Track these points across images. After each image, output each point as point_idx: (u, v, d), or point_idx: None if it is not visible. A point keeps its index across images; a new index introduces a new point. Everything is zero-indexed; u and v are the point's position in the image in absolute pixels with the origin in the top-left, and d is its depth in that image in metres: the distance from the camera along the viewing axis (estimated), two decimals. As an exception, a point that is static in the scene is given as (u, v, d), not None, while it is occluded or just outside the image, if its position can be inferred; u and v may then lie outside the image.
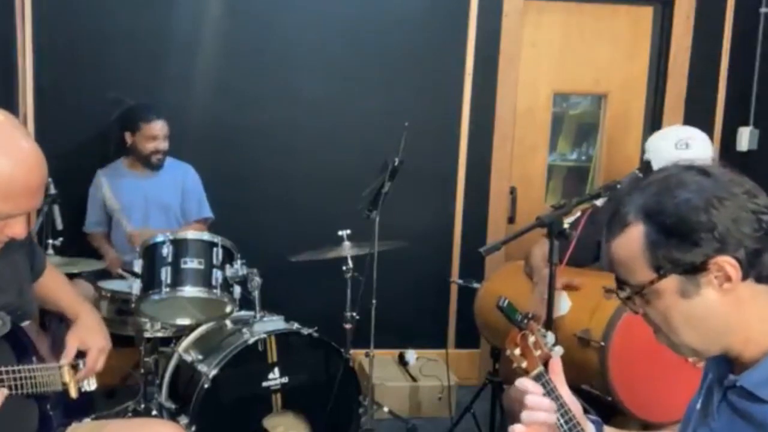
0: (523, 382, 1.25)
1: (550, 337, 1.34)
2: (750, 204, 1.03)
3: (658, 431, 1.52)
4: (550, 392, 1.25)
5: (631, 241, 1.08)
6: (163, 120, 3.38)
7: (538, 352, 1.29)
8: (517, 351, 1.31)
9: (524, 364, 1.29)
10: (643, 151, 2.55)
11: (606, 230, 1.13)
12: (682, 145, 2.32)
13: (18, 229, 1.40)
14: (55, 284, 1.81)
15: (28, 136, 1.39)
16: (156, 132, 3.36)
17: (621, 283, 1.13)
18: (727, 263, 1.02)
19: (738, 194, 1.03)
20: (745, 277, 1.04)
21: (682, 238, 1.04)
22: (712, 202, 1.02)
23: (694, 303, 1.06)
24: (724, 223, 1.02)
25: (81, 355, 1.70)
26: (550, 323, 2.07)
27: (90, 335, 1.71)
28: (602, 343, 2.01)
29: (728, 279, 1.03)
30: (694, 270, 1.04)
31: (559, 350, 1.34)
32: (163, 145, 3.39)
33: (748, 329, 1.06)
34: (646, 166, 2.40)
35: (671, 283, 1.06)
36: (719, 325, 1.07)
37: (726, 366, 1.12)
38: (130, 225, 3.24)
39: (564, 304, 2.21)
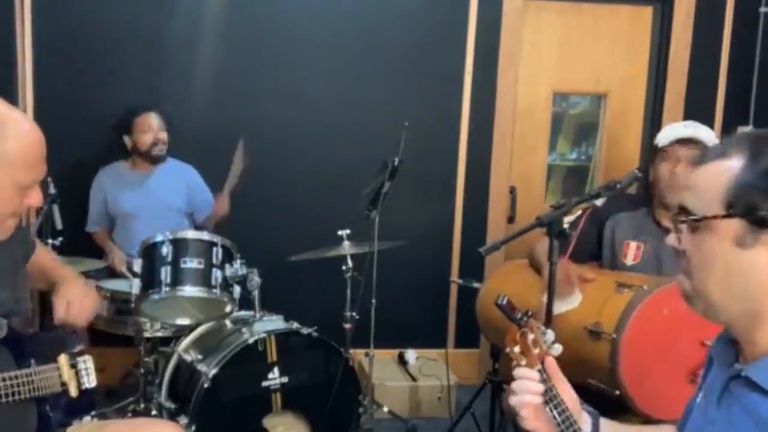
0: (519, 371, 1.27)
1: (550, 335, 1.34)
2: None
3: (656, 425, 1.51)
4: (548, 390, 1.26)
5: (720, 171, 1.04)
6: (156, 112, 3.36)
7: (536, 350, 1.29)
8: (517, 349, 1.31)
9: (523, 362, 1.29)
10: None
11: (699, 157, 1.09)
12: (691, 127, 2.34)
13: (35, 198, 1.50)
14: (38, 254, 1.84)
15: (19, 111, 1.50)
16: (150, 122, 3.34)
17: (682, 208, 1.08)
18: None
19: None
20: None
21: None
22: None
23: (743, 255, 1.02)
24: None
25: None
26: (549, 322, 2.06)
27: (74, 290, 1.74)
28: (614, 335, 2.02)
29: None
30: (762, 223, 1.00)
31: (558, 348, 1.34)
32: (162, 135, 3.37)
33: None
34: (654, 149, 2.40)
35: (733, 226, 1.02)
36: (753, 289, 1.03)
37: (732, 354, 1.11)
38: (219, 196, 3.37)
39: (575, 297, 2.21)
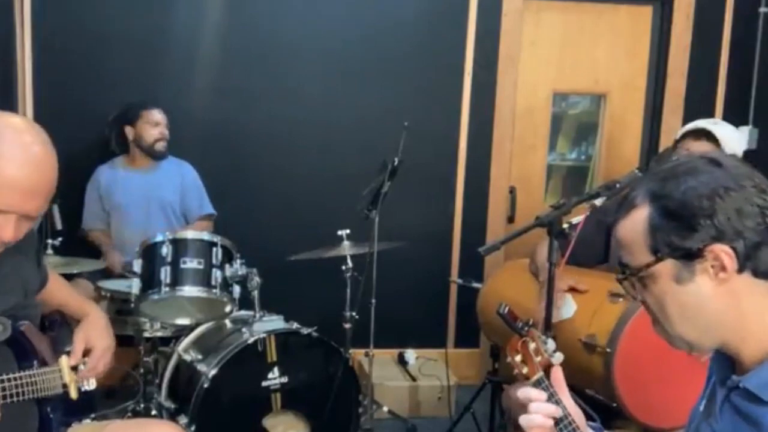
0: (526, 391, 1.25)
1: (551, 343, 1.34)
2: (757, 198, 1.03)
3: None
4: (550, 397, 1.25)
5: (635, 223, 1.09)
6: (160, 110, 3.43)
7: (538, 359, 1.29)
8: (518, 357, 1.30)
9: (525, 370, 1.29)
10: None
11: (616, 212, 1.14)
12: (712, 122, 2.34)
13: (6, 231, 1.33)
14: (59, 286, 1.82)
15: (46, 144, 1.38)
16: (158, 118, 3.40)
17: (622, 266, 1.13)
18: (723, 252, 1.02)
19: (746, 187, 1.03)
20: (741, 270, 1.03)
21: (681, 222, 1.04)
22: (717, 191, 1.02)
23: (688, 290, 1.06)
24: (725, 213, 1.02)
25: (85, 354, 1.70)
26: (549, 324, 2.06)
27: (96, 334, 1.72)
28: (608, 350, 2.01)
29: (723, 269, 1.03)
30: (690, 256, 1.04)
31: (559, 356, 1.34)
32: (166, 132, 3.42)
33: (745, 325, 1.06)
34: (674, 144, 2.40)
35: (667, 267, 1.06)
36: (713, 317, 1.06)
37: (728, 367, 1.11)
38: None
39: (569, 307, 2.19)
